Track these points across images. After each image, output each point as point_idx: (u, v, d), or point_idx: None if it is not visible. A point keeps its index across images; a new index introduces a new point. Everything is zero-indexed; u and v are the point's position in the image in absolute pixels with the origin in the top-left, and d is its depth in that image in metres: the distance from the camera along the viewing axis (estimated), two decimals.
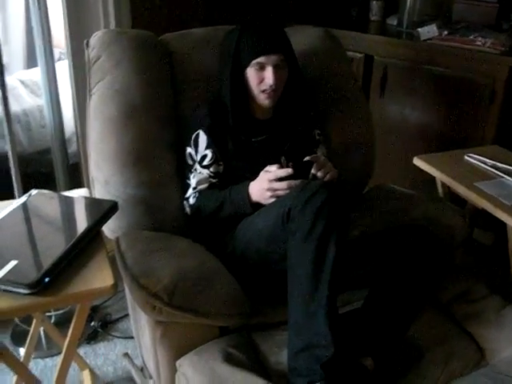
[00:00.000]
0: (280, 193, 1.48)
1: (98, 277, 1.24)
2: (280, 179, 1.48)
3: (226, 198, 1.59)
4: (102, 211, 1.43)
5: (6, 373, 1.92)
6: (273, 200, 1.50)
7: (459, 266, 1.79)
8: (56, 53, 2.51)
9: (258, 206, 1.55)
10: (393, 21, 2.91)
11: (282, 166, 1.52)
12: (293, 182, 1.47)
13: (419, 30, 2.56)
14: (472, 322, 1.53)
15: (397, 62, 2.60)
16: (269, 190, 1.49)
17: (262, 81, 1.63)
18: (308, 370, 1.28)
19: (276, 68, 1.62)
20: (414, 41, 2.59)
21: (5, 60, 1.97)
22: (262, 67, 1.62)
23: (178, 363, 1.41)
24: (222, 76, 1.72)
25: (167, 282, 1.34)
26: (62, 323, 2.11)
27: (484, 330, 1.50)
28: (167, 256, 1.45)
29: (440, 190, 1.99)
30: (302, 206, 1.34)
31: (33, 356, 1.96)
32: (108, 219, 1.44)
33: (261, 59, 1.61)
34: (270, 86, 1.62)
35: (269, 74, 1.62)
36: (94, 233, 1.37)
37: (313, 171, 1.52)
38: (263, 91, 1.65)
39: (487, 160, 1.94)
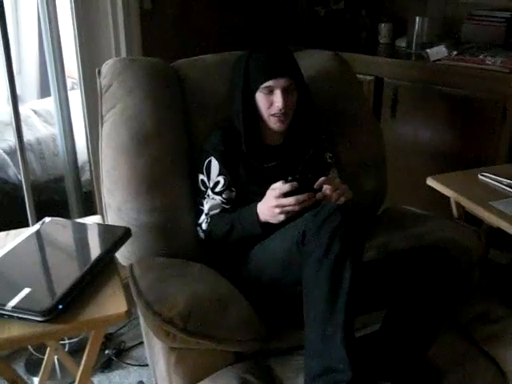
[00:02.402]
0: (288, 208, 1.46)
1: (111, 303, 1.23)
2: (286, 195, 1.47)
3: (235, 220, 1.59)
4: (115, 238, 1.43)
5: None
6: (282, 217, 1.48)
7: (477, 286, 1.76)
8: (68, 83, 2.53)
9: (267, 226, 1.54)
10: (402, 43, 2.93)
11: (286, 182, 1.49)
12: (300, 197, 1.46)
13: (428, 51, 2.57)
14: (492, 343, 1.50)
15: (407, 83, 2.60)
16: (277, 206, 1.47)
17: (271, 105, 1.63)
18: None
19: (285, 91, 1.62)
20: (423, 62, 2.59)
21: (18, 91, 2.00)
22: (270, 91, 1.62)
23: None
24: (233, 102, 1.72)
25: (181, 308, 1.33)
26: (76, 351, 2.10)
27: (505, 351, 1.47)
28: (181, 282, 1.44)
29: (454, 209, 1.97)
30: (317, 228, 1.33)
31: None
32: (121, 246, 1.44)
33: (269, 83, 1.61)
34: (280, 110, 1.62)
35: (278, 98, 1.61)
36: (107, 259, 1.37)
37: (328, 192, 1.49)
38: (273, 115, 1.64)
39: (502, 179, 1.92)
